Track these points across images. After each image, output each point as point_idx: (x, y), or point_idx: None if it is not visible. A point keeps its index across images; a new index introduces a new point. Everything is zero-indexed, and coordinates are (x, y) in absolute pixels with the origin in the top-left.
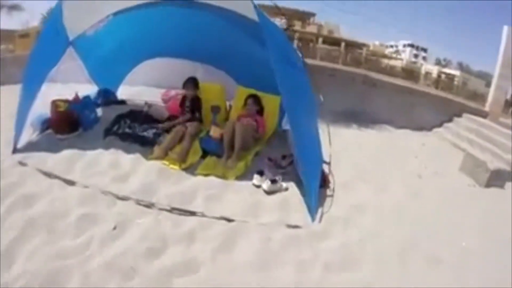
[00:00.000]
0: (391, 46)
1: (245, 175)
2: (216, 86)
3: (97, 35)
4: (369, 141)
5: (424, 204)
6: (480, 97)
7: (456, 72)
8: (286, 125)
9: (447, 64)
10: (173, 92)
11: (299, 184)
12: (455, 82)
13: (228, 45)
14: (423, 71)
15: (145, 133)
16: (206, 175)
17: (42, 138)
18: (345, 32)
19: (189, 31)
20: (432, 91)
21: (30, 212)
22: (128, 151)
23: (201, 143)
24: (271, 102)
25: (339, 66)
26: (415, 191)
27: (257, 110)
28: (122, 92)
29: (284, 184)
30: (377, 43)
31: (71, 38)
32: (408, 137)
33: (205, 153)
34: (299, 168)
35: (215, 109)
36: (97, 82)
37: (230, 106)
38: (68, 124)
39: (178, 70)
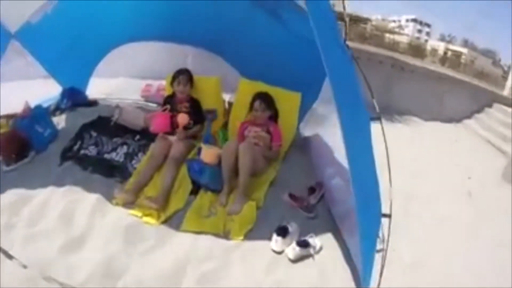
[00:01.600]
0: (394, 21)
1: (258, 227)
2: (210, 79)
3: (47, 21)
4: (399, 140)
5: (489, 244)
6: (486, 77)
7: (463, 50)
8: (304, 128)
9: (451, 40)
10: (155, 87)
11: (337, 235)
12: (462, 60)
13: (228, 21)
14: (429, 47)
15: (113, 155)
16: (198, 232)
17: None
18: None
19: (175, 3)
20: (461, 76)
21: None
22: (88, 187)
23: (190, 170)
24: (288, 102)
25: (364, 47)
26: (472, 222)
27: (269, 115)
28: (95, 88)
29: (318, 243)
30: (379, 17)
31: (12, 30)
32: (439, 132)
33: (195, 185)
34: (336, 207)
35: (210, 115)
36: (59, 81)
37: (230, 105)
38: (14, 148)
39: (164, 56)
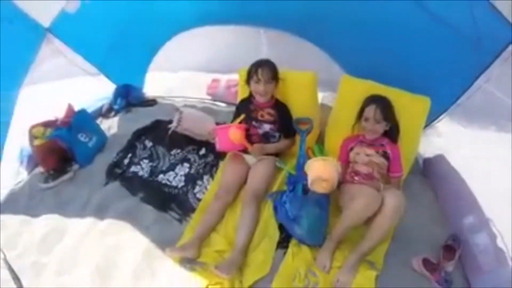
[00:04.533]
0: None
1: None
2: (303, 75)
3: (88, 7)
4: None
5: None
6: None
7: None
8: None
9: None
10: (223, 82)
11: None
12: None
13: None
14: None
15: (170, 176)
16: None
17: (27, 184)
18: None
19: None
20: None
21: None
22: (135, 223)
23: (277, 213)
24: (411, 110)
25: None
26: None
27: (386, 130)
28: (153, 85)
29: None
30: None
31: (45, 24)
32: None
33: (282, 231)
34: (480, 277)
35: (305, 126)
36: (111, 77)
37: (324, 109)
38: (53, 163)
39: (233, 43)
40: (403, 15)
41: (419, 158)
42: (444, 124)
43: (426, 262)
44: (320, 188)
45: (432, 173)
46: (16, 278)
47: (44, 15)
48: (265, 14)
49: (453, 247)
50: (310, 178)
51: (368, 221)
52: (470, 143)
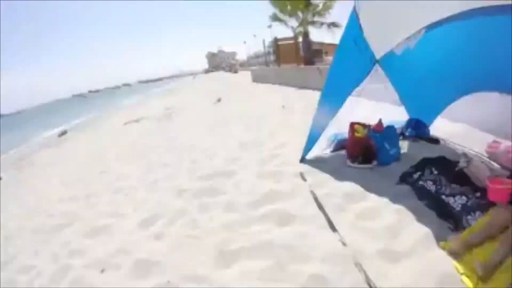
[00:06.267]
0: None
1: None
2: None
3: (408, 53)
4: None
5: None
6: None
7: None
8: None
9: None
10: (502, 146)
11: None
12: None
13: None
14: None
15: (450, 200)
16: None
17: (333, 157)
18: None
19: None
20: None
21: None
22: (418, 216)
23: None
24: None
25: None
26: None
27: None
28: (436, 127)
29: None
30: None
31: (377, 56)
32: None
33: None
34: None
35: None
36: (408, 110)
37: None
38: (362, 152)
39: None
40: None
41: None
42: None
43: None
44: None
45: None
46: None
47: (379, 49)
48: None
49: None
50: None
51: None
52: None
